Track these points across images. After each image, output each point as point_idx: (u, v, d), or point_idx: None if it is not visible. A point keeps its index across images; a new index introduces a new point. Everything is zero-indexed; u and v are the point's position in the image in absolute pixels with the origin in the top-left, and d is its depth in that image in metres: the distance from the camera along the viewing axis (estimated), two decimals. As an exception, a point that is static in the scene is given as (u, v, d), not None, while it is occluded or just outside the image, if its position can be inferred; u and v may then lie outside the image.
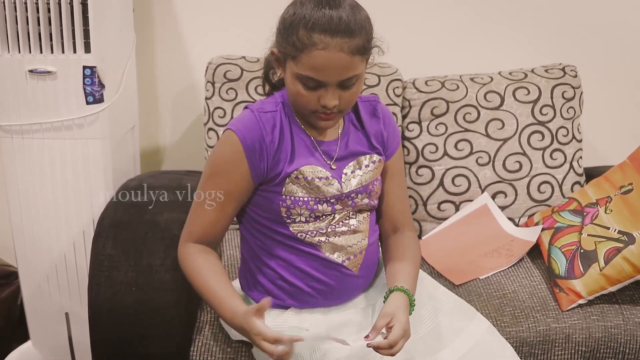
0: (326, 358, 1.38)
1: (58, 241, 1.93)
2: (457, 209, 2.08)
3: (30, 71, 1.81)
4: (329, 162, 1.44)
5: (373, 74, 2.07)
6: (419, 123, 2.09)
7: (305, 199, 1.40)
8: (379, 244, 1.58)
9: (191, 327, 1.59)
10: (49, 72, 1.81)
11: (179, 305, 1.55)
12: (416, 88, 2.10)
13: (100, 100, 1.86)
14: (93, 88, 1.84)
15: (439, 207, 2.08)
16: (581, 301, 1.72)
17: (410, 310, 1.41)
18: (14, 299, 2.07)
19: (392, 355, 1.32)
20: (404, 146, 2.09)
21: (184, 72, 2.26)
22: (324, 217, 1.43)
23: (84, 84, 1.83)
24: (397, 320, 1.33)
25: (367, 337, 1.32)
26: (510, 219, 2.07)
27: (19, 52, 1.80)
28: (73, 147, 1.87)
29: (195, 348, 1.57)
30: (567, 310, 1.72)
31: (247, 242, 1.49)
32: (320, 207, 1.41)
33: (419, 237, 2.08)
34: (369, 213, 1.51)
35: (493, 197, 2.07)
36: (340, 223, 1.44)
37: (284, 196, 1.40)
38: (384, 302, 1.41)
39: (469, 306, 1.64)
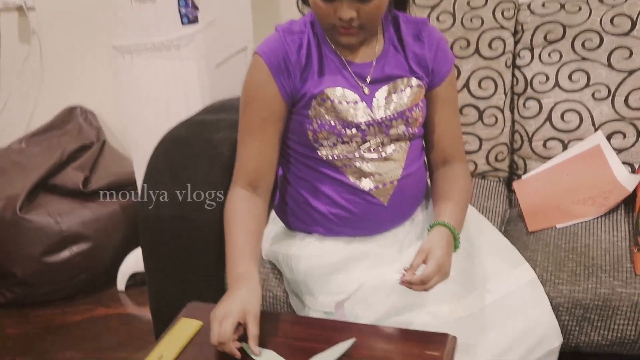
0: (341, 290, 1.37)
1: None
2: (565, 147, 1.84)
3: (134, -6, 1.94)
4: (361, 84, 1.36)
5: (479, -6, 1.88)
6: (531, 50, 1.86)
7: (332, 123, 1.34)
8: (425, 179, 1.48)
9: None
10: (149, -6, 1.93)
11: (215, 223, 1.60)
12: (530, 10, 1.87)
13: (194, 21, 1.93)
14: (187, 10, 1.92)
15: (544, 145, 1.86)
16: (664, 266, 1.46)
17: (456, 244, 1.33)
18: (142, 204, 2.28)
19: (426, 290, 1.26)
20: (513, 75, 1.89)
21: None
22: (353, 142, 1.37)
23: (178, 5, 1.92)
24: (432, 256, 1.26)
25: (403, 275, 1.26)
26: (627, 163, 1.79)
27: (124, -24, 1.94)
28: (173, 66, 1.99)
29: (232, 265, 1.62)
30: (642, 275, 1.47)
31: (280, 165, 1.49)
32: (348, 131, 1.34)
33: (521, 175, 1.89)
34: (408, 142, 1.41)
35: (609, 137, 1.80)
36: (372, 149, 1.37)
37: (311, 119, 1.36)
38: None
39: (516, 253, 1.50)
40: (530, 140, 1.87)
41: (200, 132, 1.73)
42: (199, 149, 1.67)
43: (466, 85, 1.87)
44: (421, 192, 1.47)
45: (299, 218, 1.45)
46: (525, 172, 1.90)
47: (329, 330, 1.27)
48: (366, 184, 1.38)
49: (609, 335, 1.46)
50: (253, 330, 1.16)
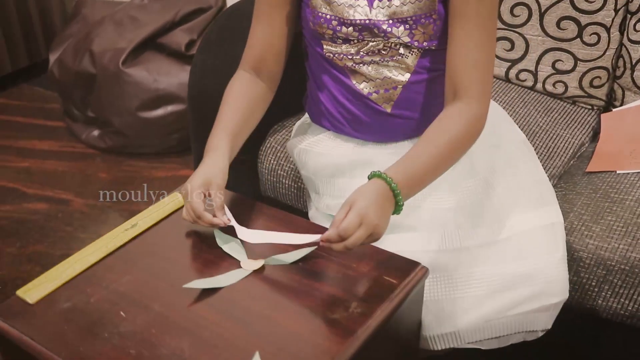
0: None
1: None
2: (670, 83, 1.57)
3: None
4: None
5: None
6: (657, -40, 1.56)
7: (328, 16, 1.24)
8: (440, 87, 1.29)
9: (267, 127, 1.62)
10: None
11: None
12: None
13: None
14: None
15: (647, 77, 1.59)
16: None
17: (398, 203, 1.11)
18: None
19: (347, 249, 1.06)
20: (630, -11, 1.61)
21: None
22: (355, 41, 1.26)
23: None
24: (354, 206, 1.07)
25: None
26: None
27: None
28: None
29: (269, 144, 1.60)
30: (689, 246, 1.24)
31: (304, 59, 1.42)
32: (344, 29, 1.24)
33: (618, 105, 1.64)
34: (420, 51, 1.25)
35: None
36: (376, 52, 1.25)
37: (311, 9, 1.27)
38: None
39: (548, 191, 1.32)
40: (632, 69, 1.61)
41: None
42: (248, 25, 1.62)
43: (569, -6, 1.62)
44: (441, 103, 1.27)
45: (312, 111, 1.40)
46: (622, 105, 1.65)
47: (300, 231, 1.21)
48: (365, 88, 1.28)
49: (629, 305, 1.27)
50: (217, 201, 1.15)
